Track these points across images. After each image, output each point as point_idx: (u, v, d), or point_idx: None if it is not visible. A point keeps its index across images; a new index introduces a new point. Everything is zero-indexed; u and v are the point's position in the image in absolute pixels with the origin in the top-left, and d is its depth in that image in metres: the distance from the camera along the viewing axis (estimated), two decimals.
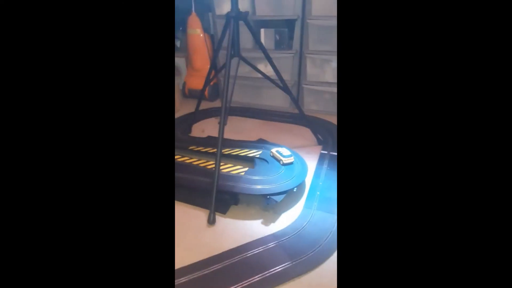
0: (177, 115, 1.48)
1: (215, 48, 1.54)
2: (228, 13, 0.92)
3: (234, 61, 1.03)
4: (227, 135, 1.25)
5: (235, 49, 0.97)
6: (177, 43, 1.81)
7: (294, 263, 0.65)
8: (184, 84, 1.69)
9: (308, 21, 1.33)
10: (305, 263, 0.66)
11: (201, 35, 1.55)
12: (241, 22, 0.99)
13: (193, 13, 1.52)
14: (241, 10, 0.94)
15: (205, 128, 1.35)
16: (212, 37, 1.61)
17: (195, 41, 1.57)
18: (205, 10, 1.58)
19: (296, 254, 0.67)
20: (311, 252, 0.68)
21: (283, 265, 0.65)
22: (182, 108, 1.56)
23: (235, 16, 0.91)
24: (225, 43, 0.99)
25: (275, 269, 0.64)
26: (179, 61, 1.75)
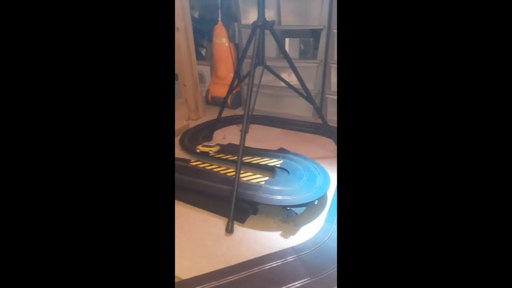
0: (199, 121, 1.50)
1: (239, 57, 1.55)
2: (254, 22, 0.92)
3: (258, 69, 1.03)
4: (248, 143, 1.24)
5: (260, 58, 0.97)
6: (202, 52, 1.85)
7: (313, 279, 0.62)
8: (208, 91, 1.72)
9: (334, 31, 1.31)
10: (325, 280, 0.62)
11: (226, 44, 1.58)
12: (266, 31, 0.99)
13: (219, 22, 1.56)
14: (267, 19, 0.95)
15: (226, 135, 1.36)
16: (236, 46, 1.64)
17: (220, 49, 1.60)
18: (231, 20, 1.61)
19: (316, 270, 0.64)
20: (332, 269, 0.65)
21: (302, 281, 0.62)
22: (205, 115, 1.58)
23: (262, 25, 0.92)
24: (250, 52, 0.99)
25: (294, 285, 0.61)
26: (204, 69, 1.78)
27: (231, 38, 1.60)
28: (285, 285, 0.61)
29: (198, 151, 1.13)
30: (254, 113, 1.59)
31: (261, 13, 0.92)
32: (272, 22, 0.94)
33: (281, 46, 1.04)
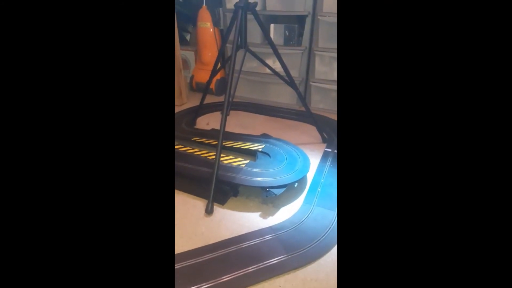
0: (183, 107, 1.48)
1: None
2: (236, 3, 0.91)
3: (241, 53, 1.02)
4: (232, 129, 1.24)
5: (242, 40, 0.96)
6: (187, 37, 1.82)
7: (290, 256, 0.64)
8: (192, 77, 1.69)
9: (319, 17, 1.31)
10: (301, 257, 0.64)
11: (211, 29, 1.55)
12: (250, 17, 0.98)
13: (204, 6, 1.53)
14: (250, 1, 0.93)
15: (210, 122, 1.35)
16: (221, 31, 1.61)
17: (204, 34, 1.57)
18: (216, 4, 1.58)
19: (292, 248, 0.66)
20: (308, 247, 0.66)
21: (279, 257, 0.63)
22: (188, 101, 1.56)
23: (243, 6, 0.90)
24: (233, 36, 0.98)
25: (270, 261, 0.62)
26: (188, 54, 1.75)
27: (216, 23, 1.58)
28: (262, 262, 0.62)
29: None
30: (239, 100, 1.58)
31: None
32: (255, 4, 0.93)
33: (264, 30, 1.03)
